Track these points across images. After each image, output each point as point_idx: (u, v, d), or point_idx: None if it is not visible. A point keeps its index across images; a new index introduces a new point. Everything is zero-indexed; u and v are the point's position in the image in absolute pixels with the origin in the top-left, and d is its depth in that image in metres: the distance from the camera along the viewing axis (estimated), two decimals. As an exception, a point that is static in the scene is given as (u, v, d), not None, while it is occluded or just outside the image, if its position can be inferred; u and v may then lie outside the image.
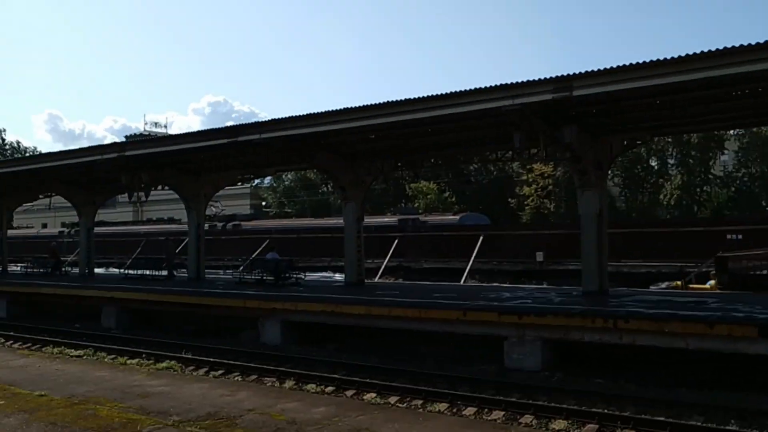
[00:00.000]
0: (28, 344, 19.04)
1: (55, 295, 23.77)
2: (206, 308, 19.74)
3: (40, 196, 34.50)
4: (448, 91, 15.49)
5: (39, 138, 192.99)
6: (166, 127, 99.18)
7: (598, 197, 17.46)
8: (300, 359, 15.72)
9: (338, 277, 30.22)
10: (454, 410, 11.44)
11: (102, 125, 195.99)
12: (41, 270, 31.97)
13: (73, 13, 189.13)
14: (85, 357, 16.69)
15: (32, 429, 9.76)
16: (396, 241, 34.02)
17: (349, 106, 16.98)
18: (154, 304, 21.00)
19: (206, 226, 41.93)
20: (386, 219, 40.76)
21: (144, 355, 16.39)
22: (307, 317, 17.46)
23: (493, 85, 14.88)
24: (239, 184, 30.35)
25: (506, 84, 14.65)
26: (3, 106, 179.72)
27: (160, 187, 25.49)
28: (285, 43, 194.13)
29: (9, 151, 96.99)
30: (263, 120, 19.14)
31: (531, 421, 10.55)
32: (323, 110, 17.61)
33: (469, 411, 11.31)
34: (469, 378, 13.40)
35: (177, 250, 35.15)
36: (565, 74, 13.85)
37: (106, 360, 16.37)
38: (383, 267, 32.09)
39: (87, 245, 29.55)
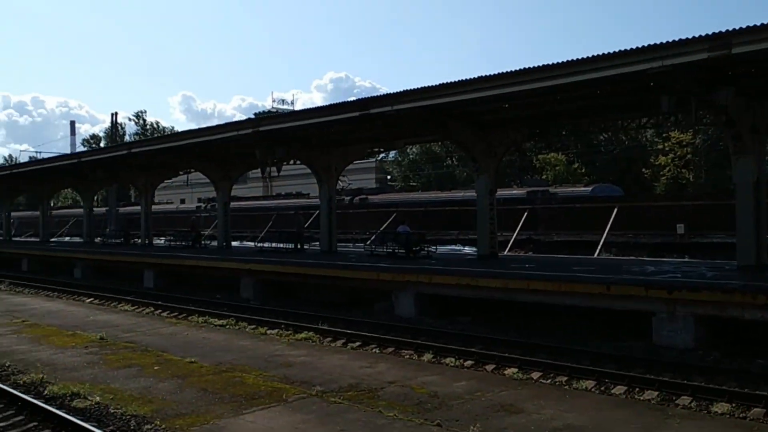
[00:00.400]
0: (175, 313, 19.95)
1: (197, 267, 24.86)
2: (341, 280, 19.98)
3: (180, 173, 36.23)
4: (591, 55, 14.65)
5: (174, 118, 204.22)
6: (292, 104, 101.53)
7: (755, 164, 16.10)
8: (435, 332, 15.61)
9: (467, 250, 29.86)
10: (602, 388, 10.92)
11: (231, 104, 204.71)
12: (183, 243, 33.61)
13: None
14: (227, 326, 17.25)
15: (186, 394, 10.14)
16: (525, 214, 33.15)
17: (484, 75, 16.44)
18: (289, 276, 21.47)
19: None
20: (515, 191, 39.76)
21: (283, 326, 16.76)
22: (442, 290, 17.29)
23: (639, 46, 13.94)
24: (367, 157, 30.48)
25: (654, 44, 13.68)
26: (143, 89, 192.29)
27: (292, 162, 26.02)
28: (406, 17, 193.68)
29: (150, 131, 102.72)
30: (395, 92, 18.91)
31: (689, 403, 9.87)
32: (456, 80, 17.20)
33: (619, 390, 10.75)
34: (616, 355, 12.78)
35: (306, 224, 36.05)
36: (723, 30, 12.76)
37: (247, 330, 16.85)
38: (512, 240, 31.40)
39: (224, 219, 30.73)
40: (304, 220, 36.15)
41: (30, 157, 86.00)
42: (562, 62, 15.11)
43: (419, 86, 18.06)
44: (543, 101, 18.56)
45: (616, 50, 14.38)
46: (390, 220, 36.37)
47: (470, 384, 10.53)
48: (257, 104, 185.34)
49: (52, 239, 50.75)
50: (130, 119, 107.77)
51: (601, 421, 8.48)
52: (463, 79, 16.85)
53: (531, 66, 15.66)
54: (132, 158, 30.03)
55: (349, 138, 24.26)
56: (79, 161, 32.07)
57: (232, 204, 46.48)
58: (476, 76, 16.62)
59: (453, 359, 13.00)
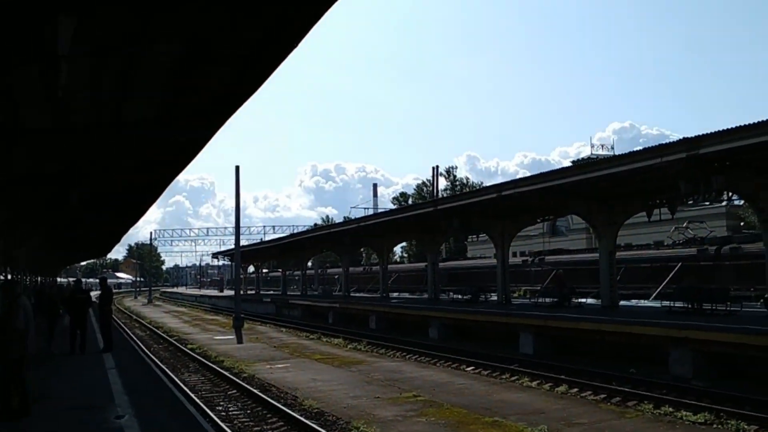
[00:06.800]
0: (603, 395, 15.33)
1: (598, 332, 20.08)
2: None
3: (538, 220, 32.30)
4: None
5: (461, 176, 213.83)
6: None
7: None
8: None
9: None
10: None
11: (513, 161, 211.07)
12: (548, 300, 29.30)
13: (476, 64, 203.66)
14: (715, 425, 12.10)
15: None
16: None
17: None
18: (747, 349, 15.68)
19: (695, 250, 35.99)
20: None
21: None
22: None
23: None
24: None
25: None
26: (432, 152, 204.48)
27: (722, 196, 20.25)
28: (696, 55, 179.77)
29: (459, 187, 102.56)
30: None
31: None
32: None
33: None
34: None
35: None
36: None
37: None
38: None
39: (609, 272, 25.63)
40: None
41: (344, 218, 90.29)
42: None
43: None
44: None
45: None
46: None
47: None
48: (540, 159, 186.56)
49: (393, 294, 49.97)
50: (441, 174, 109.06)
51: None
52: None
53: None
54: (493, 203, 26.56)
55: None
56: (435, 209, 29.47)
57: (562, 257, 42.45)
58: None
59: None
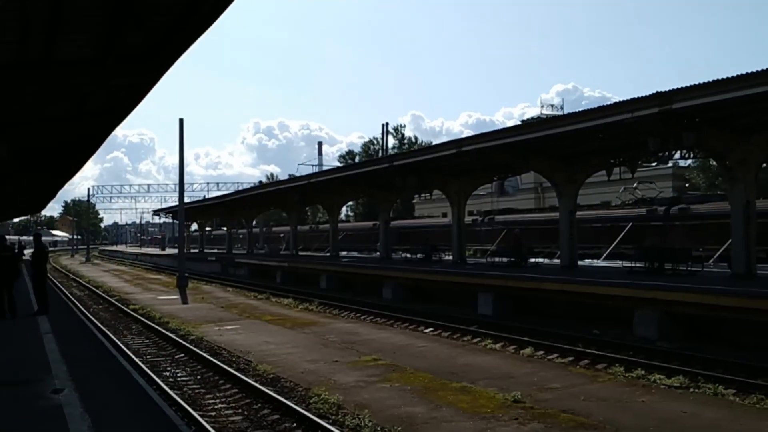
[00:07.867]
0: (570, 357, 15.01)
1: (561, 292, 19.67)
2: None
3: (495, 178, 31.73)
4: None
5: (408, 135, 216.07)
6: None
7: None
8: None
9: None
10: None
11: (458, 121, 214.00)
12: (504, 260, 28.85)
13: (424, 24, 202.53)
14: (692, 389, 11.67)
15: None
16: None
17: None
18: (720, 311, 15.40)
19: (644, 210, 36.19)
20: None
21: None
22: None
23: None
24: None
25: None
26: (381, 111, 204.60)
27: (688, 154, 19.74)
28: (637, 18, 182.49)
29: (407, 144, 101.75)
30: None
31: None
32: None
33: None
34: None
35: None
36: None
37: (732, 398, 11.15)
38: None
39: (569, 231, 25.18)
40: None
41: (289, 175, 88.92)
42: None
43: None
44: None
45: None
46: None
47: None
48: (485, 119, 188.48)
49: (341, 253, 49.17)
50: (389, 132, 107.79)
51: None
52: None
53: None
54: (452, 160, 25.84)
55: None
56: (390, 165, 28.55)
57: (511, 217, 42.43)
58: None
59: None
